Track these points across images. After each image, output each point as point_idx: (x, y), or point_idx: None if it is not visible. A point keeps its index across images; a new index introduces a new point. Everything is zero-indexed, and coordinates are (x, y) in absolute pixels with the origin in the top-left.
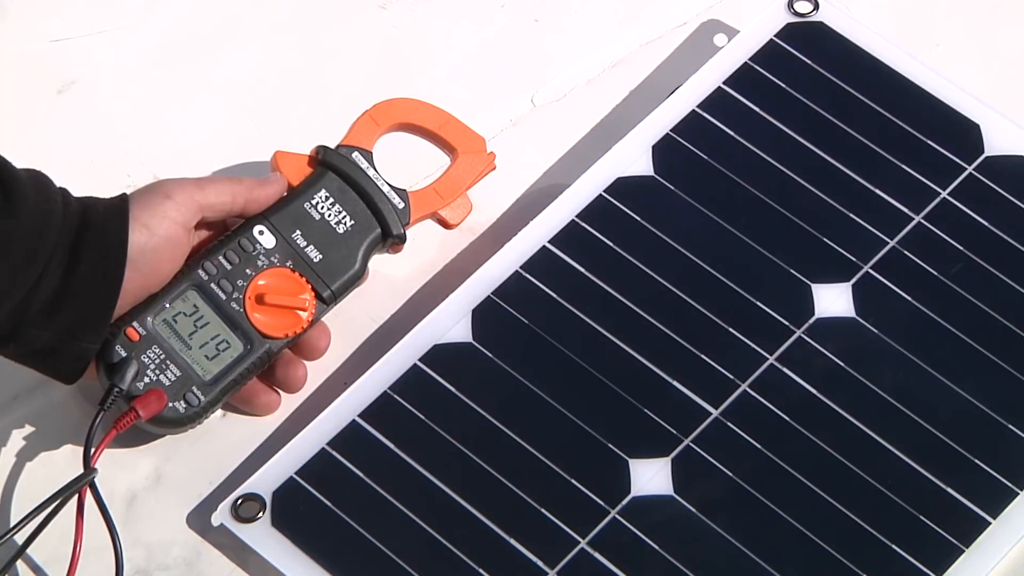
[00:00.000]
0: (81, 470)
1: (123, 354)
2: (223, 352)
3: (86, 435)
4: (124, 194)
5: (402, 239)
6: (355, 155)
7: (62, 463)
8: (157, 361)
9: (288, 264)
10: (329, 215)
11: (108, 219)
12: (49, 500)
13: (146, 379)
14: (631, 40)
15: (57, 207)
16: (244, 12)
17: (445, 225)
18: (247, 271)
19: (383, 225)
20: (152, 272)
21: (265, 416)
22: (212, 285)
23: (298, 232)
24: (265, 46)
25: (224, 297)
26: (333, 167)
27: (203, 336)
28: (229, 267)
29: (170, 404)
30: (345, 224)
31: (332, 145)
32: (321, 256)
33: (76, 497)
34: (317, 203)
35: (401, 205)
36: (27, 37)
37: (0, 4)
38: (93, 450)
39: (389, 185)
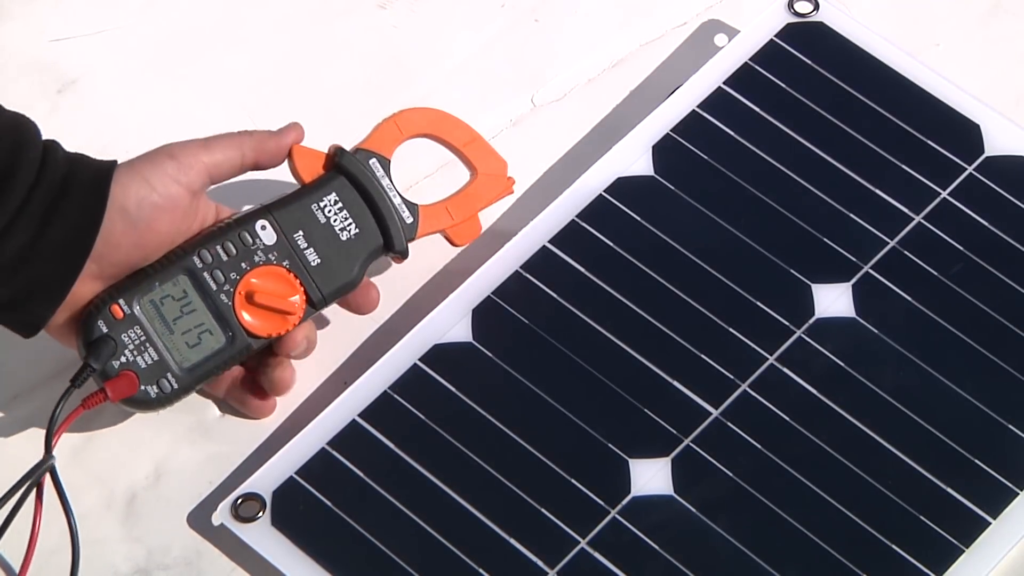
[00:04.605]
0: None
1: (103, 331)
2: (204, 342)
3: (51, 412)
4: (113, 161)
5: (404, 254)
6: (372, 162)
7: (62, 461)
8: (137, 343)
9: (284, 263)
10: (335, 220)
11: (88, 192)
12: (13, 488)
13: (123, 359)
14: (631, 40)
15: (31, 156)
16: (244, 11)
17: (451, 242)
18: (242, 265)
19: (386, 239)
20: (148, 229)
21: (260, 418)
22: (204, 274)
23: (300, 233)
24: (265, 45)
25: (215, 288)
26: (347, 172)
27: (187, 323)
28: (225, 258)
29: (142, 387)
30: (349, 231)
31: (349, 144)
32: (319, 260)
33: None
34: (325, 206)
35: (410, 220)
36: (27, 37)
37: (0, 4)
38: (56, 428)
39: (401, 197)
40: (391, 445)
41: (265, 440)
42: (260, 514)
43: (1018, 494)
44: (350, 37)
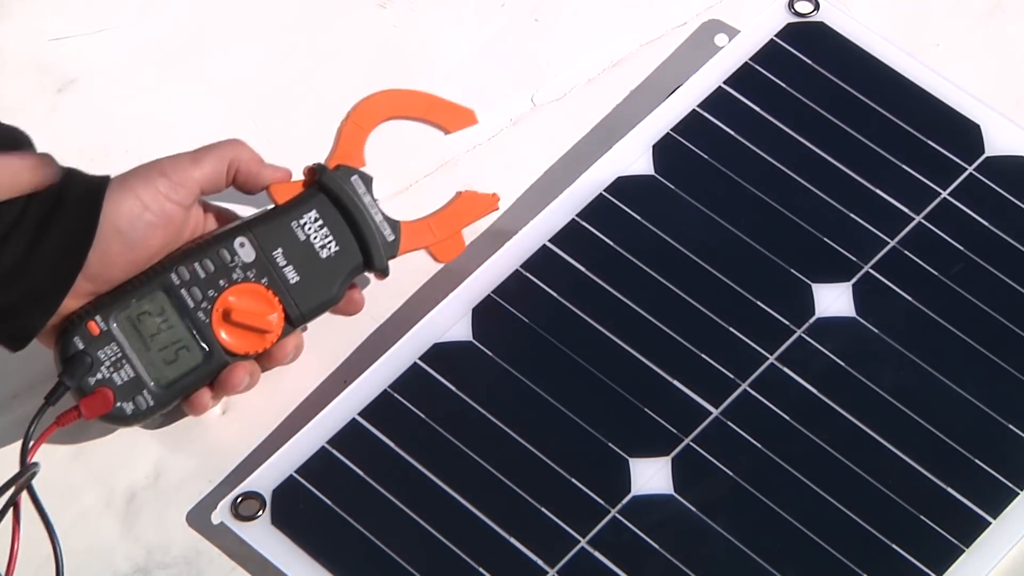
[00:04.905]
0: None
1: (80, 347)
2: (181, 358)
3: (26, 429)
4: (106, 176)
5: (385, 272)
6: (354, 179)
7: (63, 461)
8: (113, 359)
9: (263, 281)
10: (315, 238)
11: (81, 206)
12: None
13: (99, 375)
14: (631, 40)
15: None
16: (243, 11)
17: (435, 259)
18: (220, 282)
19: (367, 257)
20: (143, 246)
21: (196, 414)
22: (182, 291)
23: (280, 250)
24: (264, 44)
25: (192, 305)
26: (327, 190)
27: (164, 339)
28: (203, 275)
29: (118, 404)
30: (329, 249)
31: (327, 153)
32: (298, 279)
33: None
34: (305, 224)
35: (391, 238)
36: (26, 36)
37: (0, 4)
38: (31, 443)
39: (383, 215)
40: (391, 444)
41: (265, 439)
42: (260, 513)
43: (1018, 494)
44: (350, 37)
